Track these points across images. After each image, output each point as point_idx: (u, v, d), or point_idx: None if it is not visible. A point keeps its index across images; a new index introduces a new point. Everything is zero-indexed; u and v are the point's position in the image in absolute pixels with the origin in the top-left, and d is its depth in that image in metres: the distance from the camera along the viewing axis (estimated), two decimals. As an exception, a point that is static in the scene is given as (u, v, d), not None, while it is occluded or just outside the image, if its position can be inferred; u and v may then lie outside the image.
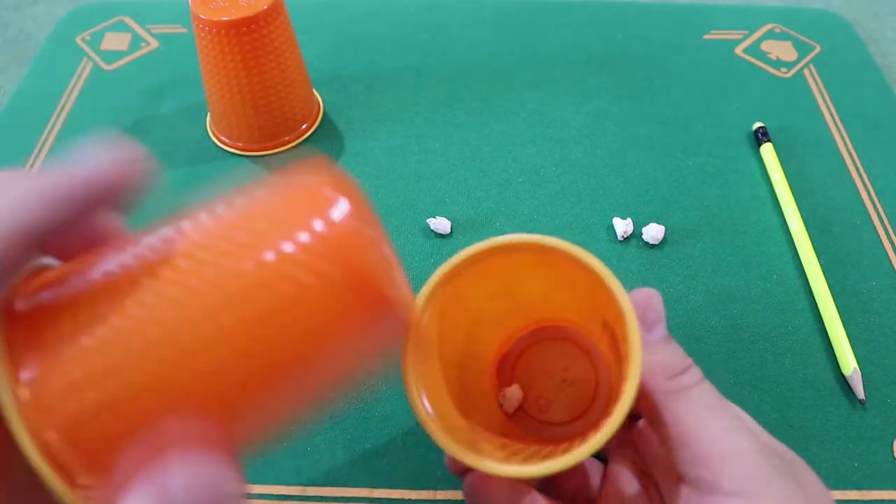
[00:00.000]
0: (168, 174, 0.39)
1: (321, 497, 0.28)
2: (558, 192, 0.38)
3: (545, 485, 0.24)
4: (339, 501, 0.28)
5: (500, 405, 0.26)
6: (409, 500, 0.28)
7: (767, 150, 0.40)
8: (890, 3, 0.52)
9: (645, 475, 0.24)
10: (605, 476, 0.25)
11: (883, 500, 0.28)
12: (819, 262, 0.35)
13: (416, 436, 0.30)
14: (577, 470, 0.25)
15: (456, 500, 0.28)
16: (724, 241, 0.36)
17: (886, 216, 0.37)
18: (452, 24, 0.49)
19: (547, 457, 0.20)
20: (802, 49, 0.47)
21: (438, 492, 0.28)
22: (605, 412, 0.23)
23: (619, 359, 0.21)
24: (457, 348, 0.24)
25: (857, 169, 0.39)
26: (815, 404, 0.30)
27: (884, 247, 0.36)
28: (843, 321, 0.32)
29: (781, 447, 0.21)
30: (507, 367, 0.27)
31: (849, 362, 0.31)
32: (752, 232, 0.37)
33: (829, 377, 0.31)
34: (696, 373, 0.22)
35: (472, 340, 0.25)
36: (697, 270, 0.35)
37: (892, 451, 0.29)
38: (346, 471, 0.29)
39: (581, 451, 0.19)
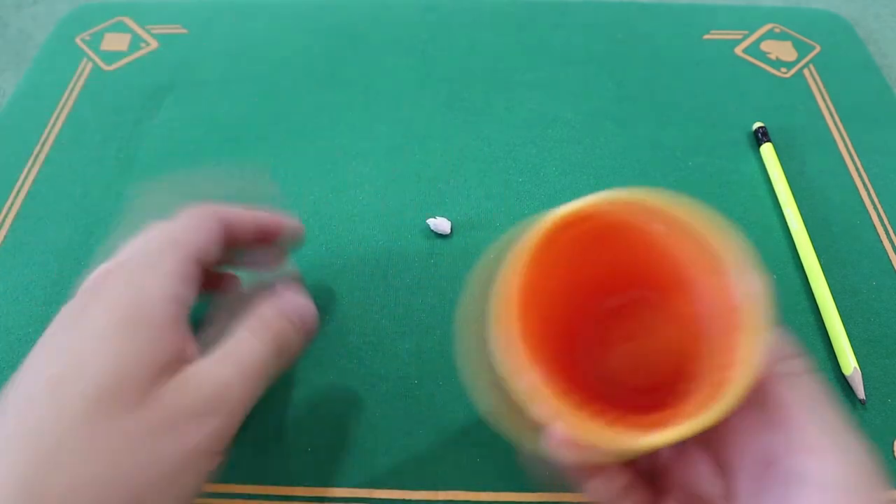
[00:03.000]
0: (170, 174, 0.39)
1: (321, 497, 0.28)
2: (558, 191, 0.38)
3: None
4: (339, 501, 0.28)
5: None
6: (409, 500, 0.28)
7: (767, 150, 0.40)
8: (890, 3, 0.52)
9: (719, 460, 0.24)
10: (676, 455, 0.24)
11: (883, 500, 0.28)
12: (819, 262, 0.35)
13: (416, 436, 0.30)
14: None
15: (456, 500, 0.28)
16: (724, 241, 0.36)
17: (886, 216, 0.37)
18: (452, 24, 0.49)
19: (652, 425, 0.19)
20: (802, 49, 0.47)
21: (439, 492, 0.28)
22: (687, 385, 0.23)
23: (718, 332, 0.21)
24: (548, 302, 0.24)
25: (857, 169, 0.39)
26: (816, 404, 0.30)
27: (884, 247, 0.36)
28: (843, 321, 0.32)
29: (872, 459, 0.21)
30: (590, 328, 0.27)
31: (849, 362, 0.31)
32: (752, 232, 0.37)
33: (829, 377, 0.31)
34: (805, 362, 0.21)
35: (562, 295, 0.24)
36: (697, 270, 0.35)
37: (893, 451, 0.29)
38: (346, 471, 0.29)
39: (688, 427, 0.19)
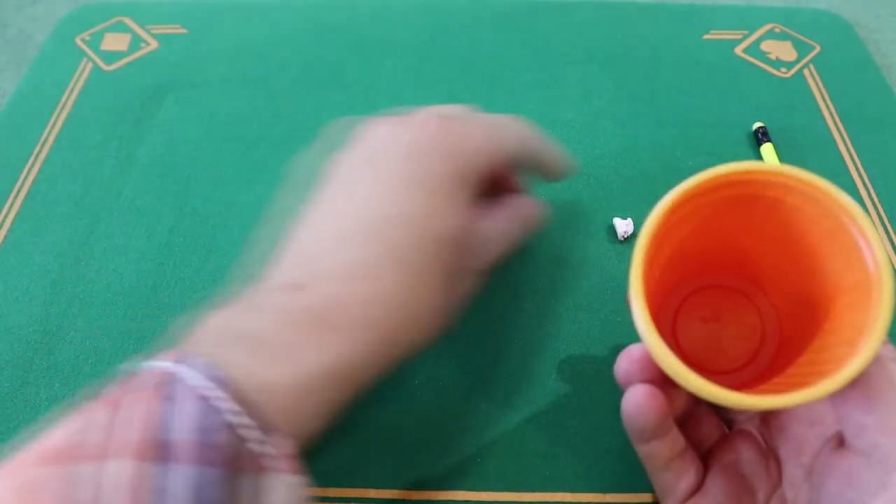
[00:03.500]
0: (169, 174, 0.39)
1: (321, 497, 0.28)
2: (558, 191, 0.38)
3: (678, 422, 0.24)
4: (339, 501, 0.28)
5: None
6: (409, 500, 0.28)
7: (767, 151, 0.40)
8: (890, 4, 0.52)
9: (768, 447, 0.24)
10: (724, 438, 0.25)
11: (883, 500, 0.28)
12: (819, 262, 0.35)
13: (416, 436, 0.30)
14: (708, 419, 0.26)
15: (456, 500, 0.28)
16: (724, 241, 0.36)
17: (886, 216, 0.37)
18: (452, 24, 0.49)
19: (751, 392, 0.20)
20: (802, 49, 0.47)
21: (439, 492, 0.28)
22: (771, 366, 0.24)
23: (809, 307, 0.22)
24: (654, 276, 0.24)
25: (857, 169, 0.39)
26: (816, 404, 0.30)
27: (884, 247, 0.36)
28: (843, 321, 0.32)
29: None
30: (675, 307, 0.27)
31: (849, 362, 0.31)
32: (752, 232, 0.37)
33: (830, 377, 0.31)
34: (893, 348, 0.22)
35: (666, 271, 0.25)
36: (697, 270, 0.35)
37: (893, 451, 0.29)
38: (346, 471, 0.29)
39: (811, 392, 0.19)
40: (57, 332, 0.33)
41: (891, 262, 0.20)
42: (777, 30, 0.48)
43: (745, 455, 0.24)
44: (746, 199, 0.23)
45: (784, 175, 0.22)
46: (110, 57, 0.47)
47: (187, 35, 0.48)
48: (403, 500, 0.28)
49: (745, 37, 0.48)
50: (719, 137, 0.41)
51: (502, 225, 0.28)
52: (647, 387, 0.22)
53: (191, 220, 0.37)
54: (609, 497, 0.28)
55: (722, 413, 0.27)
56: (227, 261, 0.35)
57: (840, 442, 0.21)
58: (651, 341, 0.20)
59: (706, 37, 0.48)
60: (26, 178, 0.39)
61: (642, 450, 0.24)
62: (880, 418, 0.20)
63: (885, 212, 0.37)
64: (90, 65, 0.46)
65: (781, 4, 0.51)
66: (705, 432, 0.26)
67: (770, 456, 0.24)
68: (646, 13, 0.49)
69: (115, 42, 0.48)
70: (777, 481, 0.23)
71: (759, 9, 0.50)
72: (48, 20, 0.51)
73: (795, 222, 0.23)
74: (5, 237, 0.37)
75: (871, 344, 0.19)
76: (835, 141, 0.41)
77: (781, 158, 0.39)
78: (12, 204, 0.38)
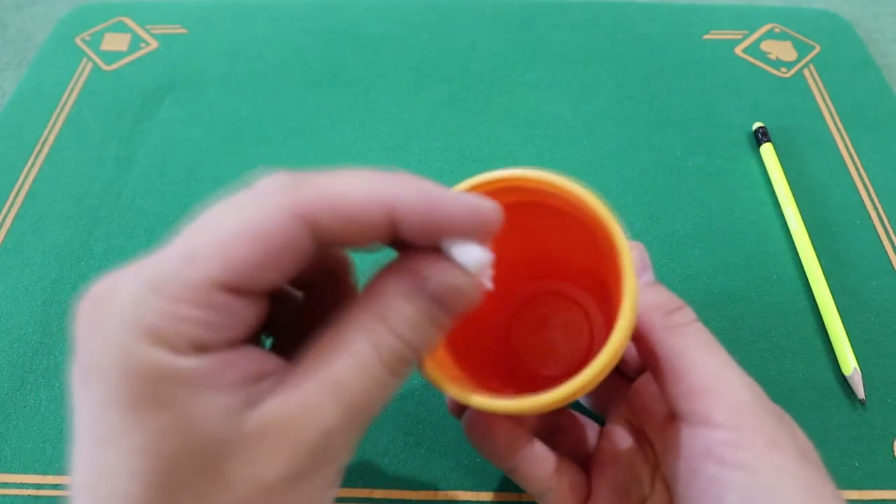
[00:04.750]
0: (169, 174, 0.39)
1: (321, 497, 0.28)
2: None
3: (544, 439, 0.24)
4: (338, 501, 0.28)
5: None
6: (409, 500, 0.28)
7: (767, 150, 0.40)
8: (890, 4, 0.52)
9: (639, 432, 0.24)
10: (600, 434, 0.25)
11: (883, 500, 0.28)
12: (819, 262, 0.35)
13: (416, 436, 0.30)
14: (576, 426, 0.26)
15: (456, 501, 0.28)
16: (724, 241, 0.36)
17: (886, 216, 0.37)
18: (452, 24, 0.49)
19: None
20: (802, 49, 0.47)
21: (439, 492, 0.28)
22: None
23: (612, 312, 0.21)
24: None
25: (857, 169, 0.39)
26: (815, 404, 0.30)
27: (884, 247, 0.36)
28: (843, 321, 0.32)
29: (769, 399, 0.21)
30: (503, 319, 0.27)
31: (849, 362, 0.31)
32: (752, 232, 0.37)
33: (829, 377, 0.31)
34: (689, 312, 0.22)
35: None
36: (697, 270, 0.35)
37: (893, 451, 0.29)
38: (346, 471, 0.29)
39: (574, 383, 0.18)
40: (57, 332, 0.33)
41: (628, 248, 0.19)
42: (777, 30, 0.48)
43: (622, 446, 0.24)
44: (524, 205, 0.22)
45: (532, 180, 0.21)
46: (110, 57, 0.47)
47: (187, 35, 0.48)
48: (403, 499, 0.28)
49: (745, 37, 0.48)
50: (719, 137, 0.41)
51: (326, 412, 0.15)
52: (468, 416, 0.23)
53: (191, 220, 0.37)
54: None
55: (596, 412, 0.27)
56: (227, 261, 0.35)
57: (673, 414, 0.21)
58: (427, 373, 0.19)
59: (706, 37, 0.48)
60: (26, 178, 0.39)
61: (514, 477, 0.23)
62: (688, 386, 0.20)
63: (884, 212, 0.37)
64: (90, 65, 0.46)
65: (781, 4, 0.51)
66: (578, 438, 0.25)
67: (643, 439, 0.24)
68: (646, 13, 0.49)
69: (114, 42, 0.48)
70: (655, 462, 0.23)
71: (759, 9, 0.50)
72: (48, 20, 0.51)
73: (566, 223, 0.22)
74: (5, 237, 0.37)
75: (612, 345, 0.18)
76: (835, 141, 0.41)
77: (781, 158, 0.39)
78: (12, 204, 0.38)
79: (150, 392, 0.14)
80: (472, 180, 0.21)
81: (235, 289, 0.15)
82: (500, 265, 0.23)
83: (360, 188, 0.15)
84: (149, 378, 0.14)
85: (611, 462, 0.24)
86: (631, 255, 0.19)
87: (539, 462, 0.23)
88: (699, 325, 0.22)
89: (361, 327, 0.16)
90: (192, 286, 0.14)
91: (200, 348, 0.14)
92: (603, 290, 0.24)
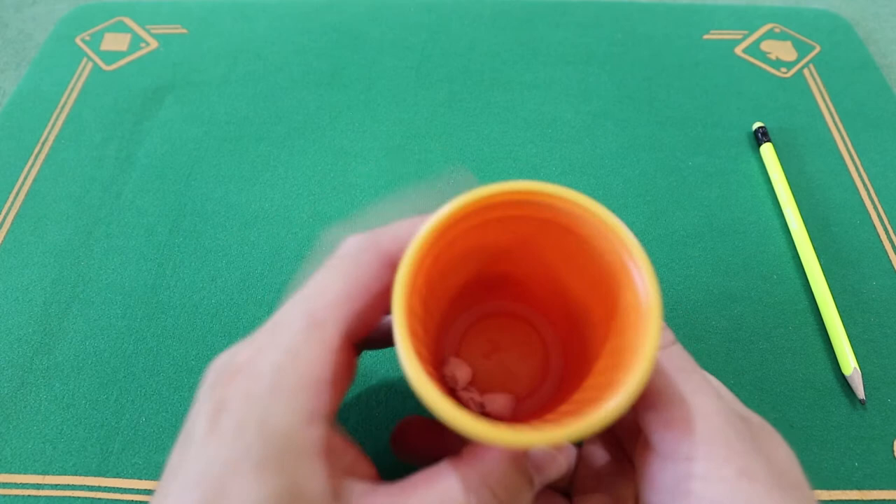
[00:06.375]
0: (169, 174, 0.39)
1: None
2: (558, 192, 0.38)
3: None
4: None
5: (445, 381, 0.24)
6: None
7: (767, 150, 0.40)
8: (890, 3, 0.52)
9: (617, 447, 0.24)
10: (578, 457, 0.24)
11: (883, 500, 0.28)
12: (819, 262, 0.35)
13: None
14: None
15: (456, 501, 0.28)
16: (724, 241, 0.36)
17: (886, 216, 0.37)
18: (452, 24, 0.49)
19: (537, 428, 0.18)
20: (802, 49, 0.47)
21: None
22: (560, 393, 0.23)
23: (580, 334, 0.20)
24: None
25: (857, 169, 0.39)
26: (815, 404, 0.30)
27: (884, 247, 0.36)
28: (843, 321, 0.32)
29: (750, 413, 0.21)
30: (452, 340, 0.26)
31: (849, 362, 0.31)
32: (752, 232, 0.37)
33: (829, 377, 0.31)
34: (668, 334, 0.21)
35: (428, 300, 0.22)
36: (697, 270, 0.35)
37: (893, 451, 0.29)
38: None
39: (609, 408, 0.17)
40: (57, 332, 0.33)
41: (658, 289, 0.18)
42: (777, 30, 0.48)
43: (603, 470, 0.23)
44: (501, 221, 0.21)
45: (538, 193, 0.20)
46: (110, 57, 0.47)
47: (187, 35, 0.48)
48: None
49: (745, 37, 0.48)
50: (719, 137, 0.41)
51: None
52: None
53: (191, 220, 0.37)
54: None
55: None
56: (227, 261, 0.35)
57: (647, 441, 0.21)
58: (414, 380, 0.17)
59: (706, 37, 0.48)
60: (26, 178, 0.39)
61: None
62: (657, 414, 0.19)
63: (884, 212, 0.37)
64: (90, 65, 0.46)
65: (781, 4, 0.51)
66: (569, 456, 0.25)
67: (622, 455, 0.23)
68: (646, 13, 0.49)
69: (114, 42, 0.48)
70: (636, 478, 0.22)
71: (759, 9, 0.50)
72: (48, 20, 0.51)
73: (563, 242, 0.21)
74: (5, 237, 0.37)
75: (628, 389, 0.17)
76: (835, 141, 0.41)
77: (781, 158, 0.39)
78: (12, 204, 0.38)
79: (274, 454, 0.16)
80: (499, 186, 0.20)
81: (355, 337, 0.18)
82: (461, 285, 0.23)
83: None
84: (277, 441, 0.16)
85: (592, 488, 0.23)
86: (660, 318, 0.18)
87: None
88: (676, 348, 0.21)
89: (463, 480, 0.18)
90: (322, 349, 0.17)
91: (319, 416, 0.17)
92: (573, 312, 0.23)
